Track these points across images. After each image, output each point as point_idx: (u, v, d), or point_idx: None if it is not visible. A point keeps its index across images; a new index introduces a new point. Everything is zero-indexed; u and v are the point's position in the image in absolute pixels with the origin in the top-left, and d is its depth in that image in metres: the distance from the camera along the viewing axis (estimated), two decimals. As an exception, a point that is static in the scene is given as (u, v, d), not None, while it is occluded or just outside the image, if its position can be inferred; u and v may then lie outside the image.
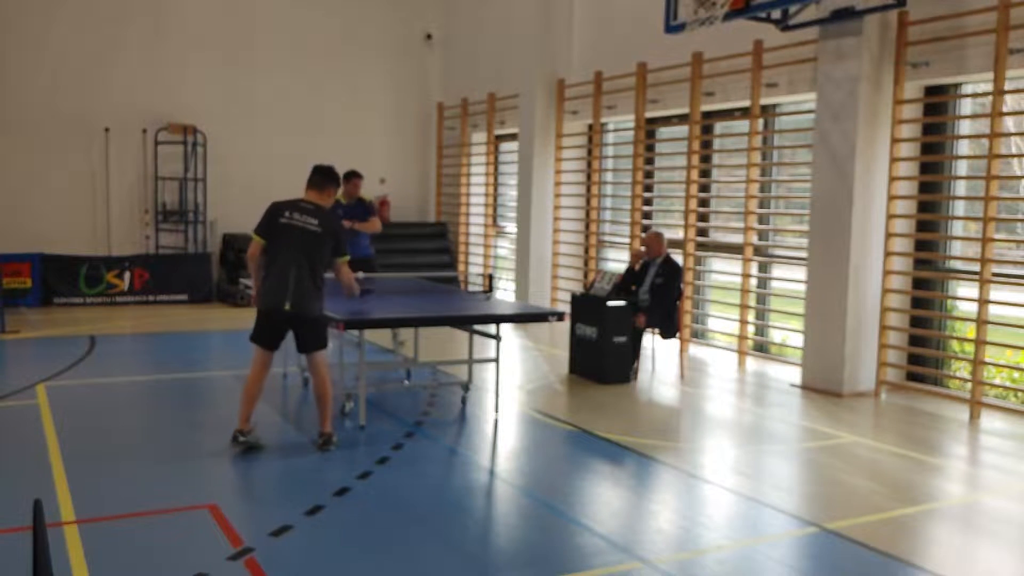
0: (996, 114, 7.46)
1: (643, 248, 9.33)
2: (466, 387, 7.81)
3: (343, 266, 6.25)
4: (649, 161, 11.85)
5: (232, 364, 9.41)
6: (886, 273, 8.44)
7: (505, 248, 15.23)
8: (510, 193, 14.74)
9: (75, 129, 13.85)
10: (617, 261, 12.53)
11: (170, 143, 14.37)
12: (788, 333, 10.01)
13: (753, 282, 10.21)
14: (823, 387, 8.53)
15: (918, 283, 8.67)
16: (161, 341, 10.98)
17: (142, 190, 14.38)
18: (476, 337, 7.84)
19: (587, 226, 12.83)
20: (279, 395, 8.00)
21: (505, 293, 14.00)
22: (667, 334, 9.09)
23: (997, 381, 8.37)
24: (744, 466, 6.20)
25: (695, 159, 10.62)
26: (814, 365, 8.68)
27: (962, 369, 8.45)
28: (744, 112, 10.08)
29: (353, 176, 9.25)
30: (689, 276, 10.54)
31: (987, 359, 7.79)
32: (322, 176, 6.19)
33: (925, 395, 8.36)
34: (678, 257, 10.07)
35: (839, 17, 8.18)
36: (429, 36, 16.44)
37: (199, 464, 6.01)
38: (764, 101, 9.80)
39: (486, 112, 14.88)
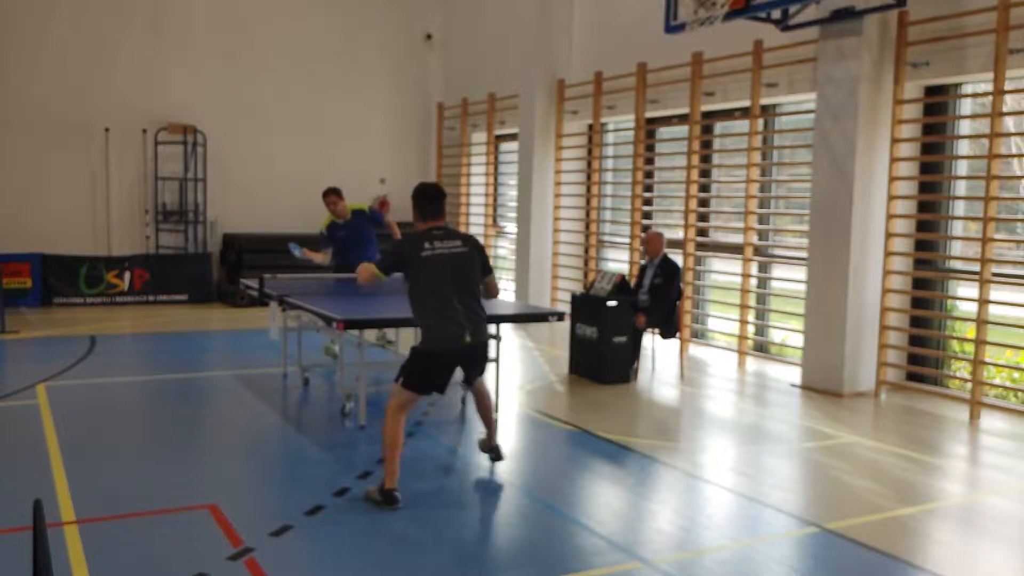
0: (996, 114, 7.46)
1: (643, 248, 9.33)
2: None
3: (493, 282, 5.58)
4: (649, 161, 11.85)
5: (232, 364, 9.43)
6: (886, 273, 8.44)
7: (505, 248, 15.22)
8: (510, 193, 14.74)
9: (75, 129, 13.84)
10: (617, 261, 12.53)
11: (170, 143, 14.37)
12: (788, 333, 10.01)
13: (753, 282, 10.21)
14: (823, 387, 8.53)
15: (918, 283, 8.67)
16: (161, 341, 10.97)
17: (142, 190, 14.37)
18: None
19: (587, 226, 12.82)
20: (279, 395, 8.01)
21: (505, 293, 14.00)
22: (667, 334, 9.09)
23: (997, 381, 8.37)
24: (744, 466, 6.19)
25: (695, 159, 10.62)
26: (814, 365, 8.68)
27: (962, 369, 8.45)
28: (744, 112, 10.08)
29: (326, 194, 9.12)
30: (689, 276, 10.54)
31: (987, 359, 7.79)
32: (439, 201, 5.38)
33: (925, 395, 8.36)
34: (678, 257, 10.07)
35: (839, 17, 8.18)
36: (429, 36, 16.43)
37: (199, 464, 6.01)
38: (764, 101, 9.80)
39: (486, 112, 14.87)
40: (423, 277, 5.18)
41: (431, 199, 5.33)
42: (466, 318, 5.17)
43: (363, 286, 5.70)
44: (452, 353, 5.19)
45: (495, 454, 5.87)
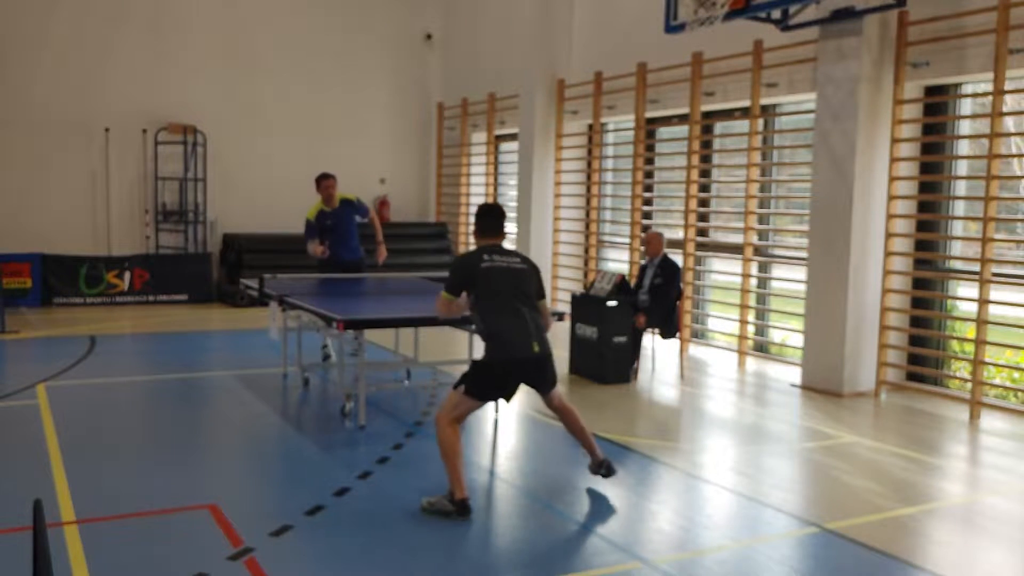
0: (996, 114, 7.46)
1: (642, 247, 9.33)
2: (466, 387, 7.78)
3: (545, 309, 5.48)
4: (649, 161, 11.85)
5: (232, 364, 9.42)
6: (886, 273, 8.43)
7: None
8: (510, 193, 14.74)
9: (75, 129, 13.85)
10: (617, 261, 12.53)
11: (170, 143, 14.37)
12: (788, 333, 10.01)
13: (753, 282, 10.21)
14: (823, 387, 8.53)
15: (918, 283, 8.67)
16: (161, 341, 10.97)
17: (142, 190, 14.38)
18: (476, 337, 7.82)
19: (587, 226, 12.83)
20: (279, 395, 8.01)
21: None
22: (667, 334, 9.09)
23: (997, 381, 8.37)
24: (744, 466, 6.19)
25: (695, 159, 10.62)
26: (814, 365, 8.68)
27: (962, 369, 8.45)
28: (744, 112, 10.08)
29: (323, 179, 9.08)
30: (689, 276, 10.54)
31: (987, 359, 7.79)
32: (498, 218, 5.46)
33: (925, 395, 8.36)
34: (678, 257, 10.07)
35: (839, 17, 8.18)
36: (429, 36, 16.44)
37: (199, 464, 6.02)
38: (764, 101, 9.80)
39: (486, 112, 14.87)
40: (487, 288, 5.19)
41: (489, 215, 5.43)
42: (534, 325, 5.19)
43: (445, 315, 5.58)
44: (520, 362, 5.16)
45: (606, 469, 5.46)
